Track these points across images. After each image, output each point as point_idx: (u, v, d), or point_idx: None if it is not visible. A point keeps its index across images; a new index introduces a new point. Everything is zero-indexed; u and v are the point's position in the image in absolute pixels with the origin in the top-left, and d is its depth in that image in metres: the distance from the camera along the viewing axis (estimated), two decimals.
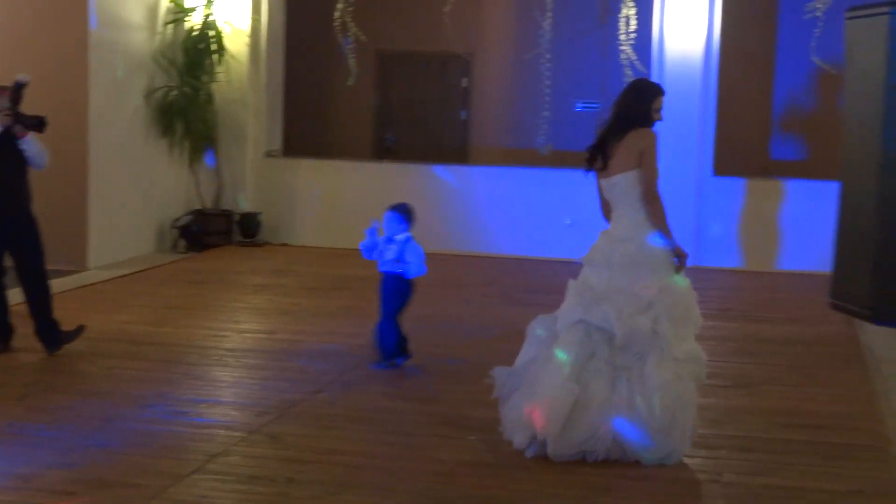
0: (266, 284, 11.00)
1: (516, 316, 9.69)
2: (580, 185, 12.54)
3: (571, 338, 5.94)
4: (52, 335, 7.91)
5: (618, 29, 12.33)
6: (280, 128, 14.16)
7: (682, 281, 5.98)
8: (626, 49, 12.28)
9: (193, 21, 12.96)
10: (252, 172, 13.60)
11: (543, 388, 5.82)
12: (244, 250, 13.07)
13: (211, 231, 13.16)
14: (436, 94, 15.31)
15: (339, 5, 12.73)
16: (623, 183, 6.03)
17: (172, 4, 12.86)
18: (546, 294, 10.76)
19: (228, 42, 13.16)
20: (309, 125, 15.17)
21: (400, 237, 7.66)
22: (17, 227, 7.83)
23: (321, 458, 5.88)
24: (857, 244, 2.53)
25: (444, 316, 9.68)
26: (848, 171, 2.63)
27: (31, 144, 7.82)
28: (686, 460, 5.87)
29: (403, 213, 7.73)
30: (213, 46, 13.00)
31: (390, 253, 7.64)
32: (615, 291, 5.98)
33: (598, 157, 6.10)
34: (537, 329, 6.26)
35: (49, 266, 8.06)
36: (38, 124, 7.80)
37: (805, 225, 12.17)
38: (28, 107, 7.82)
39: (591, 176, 6.20)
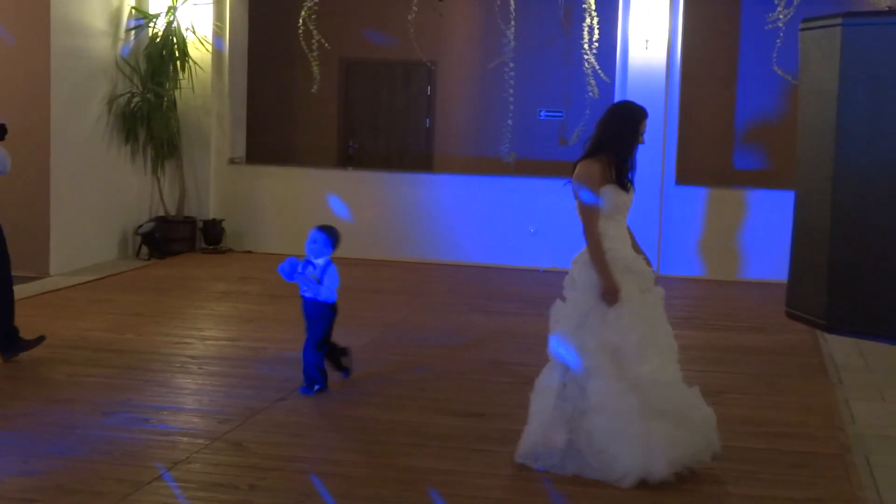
0: (230, 292, 10.95)
1: (480, 324, 9.76)
2: (544, 193, 12.72)
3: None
4: (10, 342, 7.85)
5: (581, 38, 12.38)
6: (243, 135, 14.12)
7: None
8: (590, 58, 12.33)
9: (157, 27, 12.90)
10: (215, 179, 13.55)
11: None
12: (208, 257, 13.01)
13: (174, 238, 13.09)
14: (400, 102, 15.32)
15: (303, 12, 12.71)
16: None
17: (135, 11, 12.80)
18: (510, 302, 10.85)
19: (191, 49, 13.11)
20: (273, 132, 15.14)
21: (320, 261, 7.34)
22: None
23: (284, 466, 5.87)
24: (812, 254, 2.58)
25: (408, 324, 9.68)
26: (802, 180, 2.68)
27: None
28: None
29: (331, 237, 7.38)
30: (176, 53, 12.95)
31: (309, 274, 7.30)
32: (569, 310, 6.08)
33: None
34: None
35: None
36: None
37: (766, 234, 12.26)
38: None
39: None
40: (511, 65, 12.62)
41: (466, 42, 15.07)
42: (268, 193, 13.57)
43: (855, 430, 6.80)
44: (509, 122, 12.72)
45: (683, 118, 12.79)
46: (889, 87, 2.66)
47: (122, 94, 12.62)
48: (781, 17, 11.73)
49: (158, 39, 12.86)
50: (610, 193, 5.91)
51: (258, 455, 6.05)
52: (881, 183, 2.66)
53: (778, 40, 11.79)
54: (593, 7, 12.30)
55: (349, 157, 15.24)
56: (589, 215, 5.95)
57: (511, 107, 12.64)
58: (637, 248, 6.14)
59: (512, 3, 12.33)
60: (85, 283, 11.11)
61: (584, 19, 12.41)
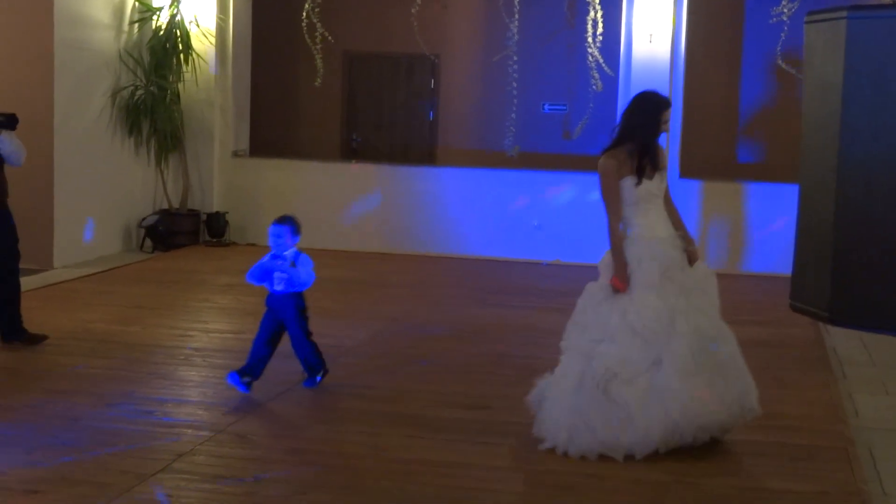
0: (233, 284, 10.95)
1: (484, 317, 9.76)
2: (548, 186, 12.72)
3: None
4: (13, 326, 7.91)
5: (585, 31, 12.37)
6: (247, 127, 14.12)
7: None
8: (594, 51, 12.33)
9: (160, 20, 12.90)
10: (219, 172, 13.56)
11: None
12: (211, 250, 13.02)
13: (178, 231, 13.10)
14: (403, 95, 15.31)
15: (307, 5, 12.71)
16: None
17: (139, 3, 12.80)
18: (514, 295, 10.84)
19: (195, 41, 13.11)
20: (276, 125, 15.13)
21: (289, 253, 7.08)
22: None
23: (288, 458, 5.87)
24: (816, 246, 2.57)
25: (412, 317, 9.68)
26: (806, 174, 2.67)
27: (6, 143, 7.81)
28: (651, 461, 5.89)
29: (293, 226, 7.08)
30: (180, 46, 12.95)
31: (280, 269, 7.03)
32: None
33: None
34: None
35: None
36: (9, 122, 7.79)
37: (770, 227, 12.26)
38: None
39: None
40: (515, 58, 12.62)
41: (470, 35, 15.05)
42: (271, 186, 13.57)
43: (858, 424, 6.80)
44: (513, 115, 12.72)
45: (687, 112, 12.78)
46: (893, 81, 2.65)
47: (125, 87, 12.63)
48: (786, 10, 11.71)
49: (162, 32, 12.86)
50: (630, 184, 6.08)
51: (262, 447, 6.06)
52: (885, 176, 2.66)
53: (782, 33, 11.78)
54: (597, 0, 12.29)
55: (353, 150, 15.23)
56: (607, 205, 6.14)
57: (515, 100, 12.63)
58: (681, 231, 6.27)
59: None
60: (88, 275, 11.13)
61: (587, 12, 12.40)
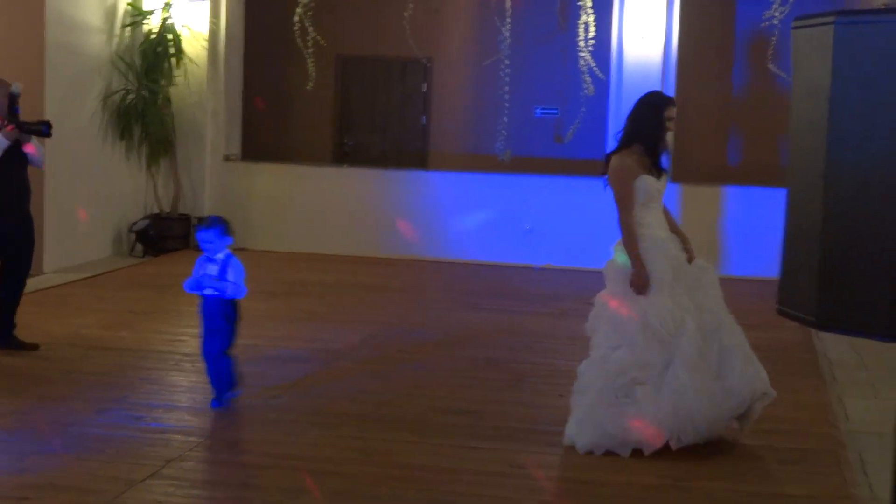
0: None
1: (475, 321, 9.76)
2: (540, 190, 12.72)
3: None
4: (4, 332, 7.91)
5: (577, 35, 12.38)
6: (239, 131, 14.11)
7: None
8: (585, 55, 12.34)
9: (152, 24, 12.89)
10: (210, 176, 13.54)
11: None
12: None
13: (168, 235, 13.08)
14: (396, 99, 15.30)
15: (298, 9, 12.71)
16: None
17: (130, 7, 12.78)
18: (505, 299, 10.84)
19: (187, 45, 13.10)
20: (268, 129, 15.12)
21: (221, 255, 6.72)
22: (23, 227, 8.01)
23: (279, 464, 5.86)
24: (803, 251, 2.58)
25: (404, 321, 9.68)
26: (794, 178, 2.69)
27: (35, 149, 7.90)
28: (643, 464, 5.89)
29: (221, 227, 6.72)
30: (172, 50, 12.94)
31: (211, 271, 6.67)
32: None
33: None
34: None
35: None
36: (43, 130, 7.86)
37: (758, 231, 12.25)
38: None
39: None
40: (507, 62, 12.64)
41: (462, 39, 15.05)
42: (263, 190, 13.57)
43: (848, 427, 6.81)
44: (505, 119, 12.72)
45: (678, 115, 12.76)
46: (881, 86, 2.66)
47: (116, 91, 12.61)
48: (777, 14, 11.74)
49: (154, 36, 12.85)
50: (645, 182, 6.18)
51: (252, 453, 6.05)
52: (873, 181, 2.66)
53: (773, 37, 11.80)
54: (589, 4, 12.30)
55: (345, 154, 15.22)
56: (623, 205, 6.18)
57: (507, 104, 12.64)
58: (676, 230, 6.41)
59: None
60: (79, 280, 11.10)
61: (579, 16, 12.41)
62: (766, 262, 11.77)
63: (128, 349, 8.28)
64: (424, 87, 15.17)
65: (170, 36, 12.91)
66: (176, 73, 13.05)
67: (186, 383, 7.46)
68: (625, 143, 6.29)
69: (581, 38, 12.34)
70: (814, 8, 3.53)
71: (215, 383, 6.77)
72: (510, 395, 7.17)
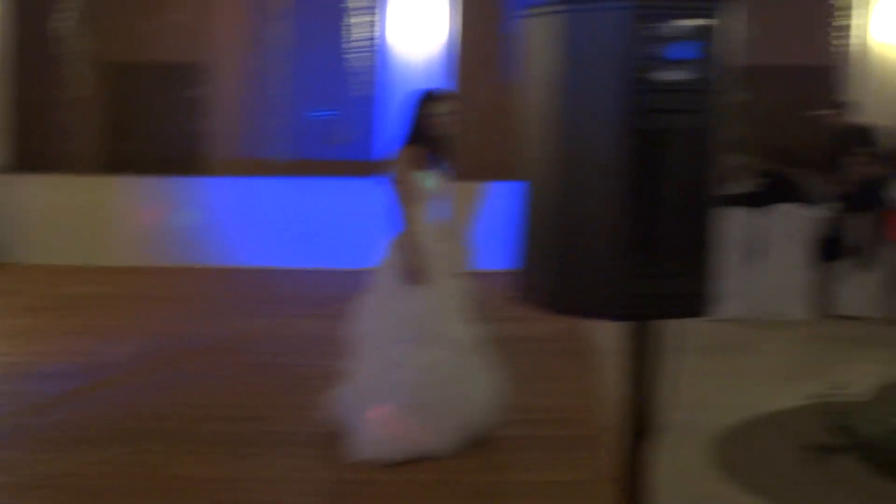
0: None
1: (252, 327, 9.65)
2: (315, 192, 12.70)
3: None
4: None
5: (350, 36, 12.43)
6: (6, 142, 13.60)
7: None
8: (359, 55, 12.40)
9: None
10: None
11: None
12: None
13: None
14: (169, 105, 15.00)
15: (66, 16, 12.33)
16: None
17: None
18: (281, 303, 10.76)
19: None
20: (36, 139, 14.59)
21: None
22: None
23: (50, 483, 5.67)
24: (539, 241, 2.69)
25: (178, 330, 9.49)
26: (530, 170, 2.79)
27: None
28: (421, 462, 5.94)
29: None
30: None
31: None
32: None
33: None
34: None
35: None
36: None
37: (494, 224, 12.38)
38: None
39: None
40: (282, 64, 12.58)
41: (236, 42, 14.87)
42: (35, 202, 13.10)
43: (611, 412, 7.04)
44: (282, 121, 12.67)
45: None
46: (607, 70, 2.77)
47: None
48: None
49: None
50: (421, 180, 6.19)
51: (21, 474, 5.82)
52: (590, 166, 2.79)
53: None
54: (359, 5, 12.38)
55: (119, 162, 14.82)
56: (401, 199, 6.17)
57: (284, 106, 12.59)
58: (452, 230, 6.49)
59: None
60: None
61: (350, 17, 12.47)
62: (494, 255, 12.01)
63: None
64: (200, 92, 14.93)
65: None
66: None
67: None
68: (402, 141, 6.31)
69: (354, 38, 12.39)
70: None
71: None
72: (287, 400, 7.15)
